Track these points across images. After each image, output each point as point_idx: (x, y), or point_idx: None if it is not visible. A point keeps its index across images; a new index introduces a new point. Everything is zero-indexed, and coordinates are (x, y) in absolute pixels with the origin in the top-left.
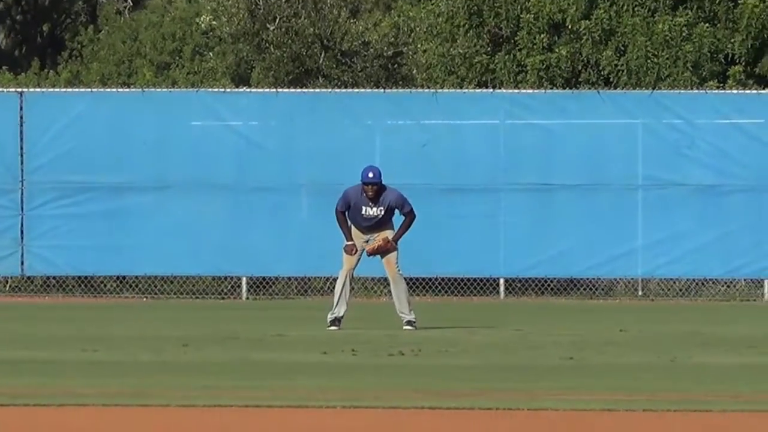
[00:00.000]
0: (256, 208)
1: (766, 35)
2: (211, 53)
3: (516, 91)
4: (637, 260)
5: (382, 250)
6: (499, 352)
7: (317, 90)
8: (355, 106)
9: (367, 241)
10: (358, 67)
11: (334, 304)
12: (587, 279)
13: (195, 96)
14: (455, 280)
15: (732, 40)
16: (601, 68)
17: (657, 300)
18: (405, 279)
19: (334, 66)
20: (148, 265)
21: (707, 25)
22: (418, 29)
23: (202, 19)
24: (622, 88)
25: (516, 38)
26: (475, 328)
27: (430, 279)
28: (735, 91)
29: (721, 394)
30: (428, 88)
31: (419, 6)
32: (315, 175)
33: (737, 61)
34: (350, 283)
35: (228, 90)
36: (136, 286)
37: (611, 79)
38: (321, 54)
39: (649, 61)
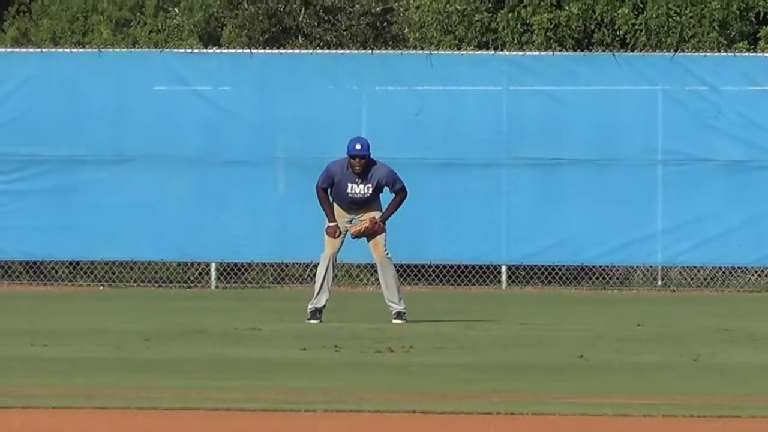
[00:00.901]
0: (227, 184)
1: None
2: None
3: (520, 53)
4: (657, 246)
5: (369, 232)
6: (501, 348)
7: (296, 51)
8: (339, 69)
9: (350, 222)
10: (343, 25)
11: (315, 293)
12: (600, 267)
13: (158, 57)
14: (451, 267)
15: None
16: (616, 28)
17: (679, 291)
18: (395, 265)
19: (316, 24)
20: (105, 249)
21: None
22: None
23: None
24: (640, 51)
25: None
26: (473, 321)
27: (422, 266)
28: (767, 55)
29: (750, 397)
30: (422, 49)
31: None
32: (293, 147)
33: None
34: (333, 270)
35: (196, 50)
36: (91, 272)
37: (628, 40)
38: (300, 10)
39: (670, 19)
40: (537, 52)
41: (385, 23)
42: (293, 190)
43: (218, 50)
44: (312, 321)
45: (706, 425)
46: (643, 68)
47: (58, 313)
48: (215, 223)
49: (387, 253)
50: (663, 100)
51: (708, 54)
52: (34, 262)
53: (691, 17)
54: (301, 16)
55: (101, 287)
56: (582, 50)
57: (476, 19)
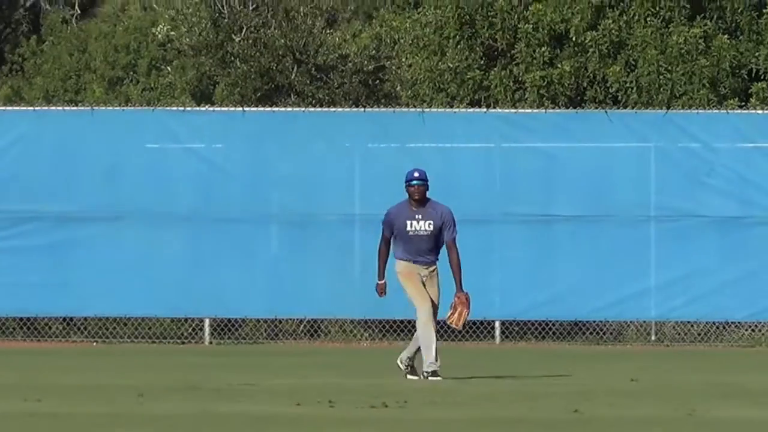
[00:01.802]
0: (221, 241)
1: None
2: (169, 67)
3: (513, 110)
4: (650, 301)
5: (467, 309)
6: (495, 403)
7: (289, 109)
8: (332, 127)
9: (425, 275)
10: (335, 83)
11: (426, 356)
12: (594, 322)
13: (151, 115)
14: (445, 322)
15: (756, 54)
16: (608, 85)
17: (673, 346)
18: (386, 322)
19: (308, 82)
20: (99, 305)
21: (727, 37)
22: (402, 41)
23: (159, 29)
24: (633, 108)
25: (513, 51)
26: (466, 378)
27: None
28: (759, 111)
29: None
30: (414, 107)
31: (404, 15)
32: (287, 204)
33: (761, 77)
34: (434, 324)
35: (188, 108)
36: (85, 328)
37: (620, 98)
38: (293, 68)
39: (662, 77)
40: (529, 110)
41: (378, 81)
42: (286, 247)
43: (210, 108)
44: (435, 378)
45: None
46: (636, 125)
47: (51, 369)
48: (209, 278)
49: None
50: (655, 156)
51: (700, 111)
52: (28, 318)
53: (683, 75)
54: (294, 75)
55: (95, 343)
56: (574, 107)
57: (468, 76)
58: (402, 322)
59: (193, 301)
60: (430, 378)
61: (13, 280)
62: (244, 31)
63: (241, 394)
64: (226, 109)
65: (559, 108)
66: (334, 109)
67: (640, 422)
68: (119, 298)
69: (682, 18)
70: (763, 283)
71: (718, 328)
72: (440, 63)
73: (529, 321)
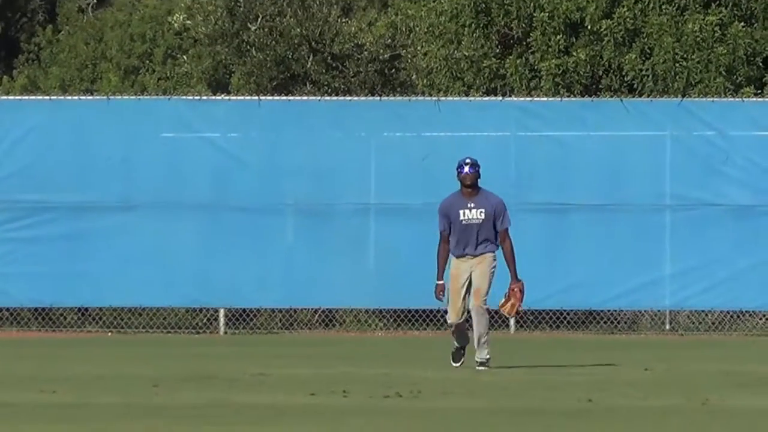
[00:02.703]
0: (236, 231)
1: None
2: (185, 56)
3: (528, 99)
4: (665, 290)
5: (521, 298)
6: (509, 393)
7: (304, 98)
8: (348, 115)
9: (470, 272)
10: (351, 72)
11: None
12: (608, 311)
13: (167, 104)
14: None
15: None
16: (624, 73)
17: (687, 335)
18: (401, 312)
19: (324, 71)
20: (114, 295)
21: (743, 24)
22: (418, 29)
23: (175, 18)
24: (648, 96)
25: (529, 40)
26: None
27: (431, 311)
28: None
29: None
30: (430, 95)
31: (419, 3)
32: (302, 194)
33: None
34: (464, 328)
35: (204, 97)
36: (100, 318)
37: (635, 86)
38: (309, 57)
39: (677, 65)
40: (545, 98)
41: (393, 70)
42: (301, 236)
43: (226, 97)
44: (455, 364)
45: None
46: (651, 113)
47: (66, 359)
48: (224, 269)
49: (485, 303)
50: (671, 145)
51: (715, 99)
52: (43, 309)
53: (698, 63)
54: (309, 63)
55: (110, 333)
56: (590, 96)
57: (484, 65)
58: (417, 311)
59: (208, 292)
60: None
61: (28, 271)
62: (259, 19)
63: (255, 384)
64: (241, 98)
65: (575, 96)
66: (349, 98)
67: (655, 412)
68: (134, 288)
69: (697, 5)
70: None
71: (732, 317)
72: (456, 51)
73: (543, 310)
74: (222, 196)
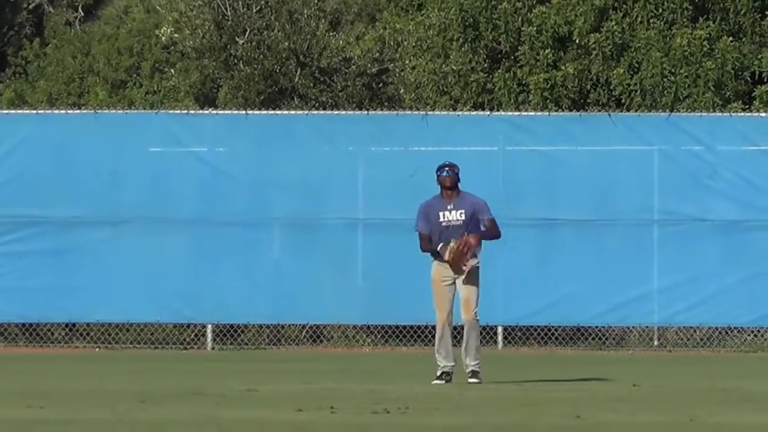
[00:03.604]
0: (224, 246)
1: None
2: (172, 70)
3: (517, 113)
4: (653, 306)
5: (468, 248)
6: (497, 409)
7: (292, 112)
8: (335, 130)
9: (453, 280)
10: (339, 86)
11: (437, 361)
12: (596, 327)
13: (154, 118)
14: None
15: (759, 56)
16: (612, 88)
17: (675, 351)
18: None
19: (312, 85)
20: (101, 311)
21: (731, 39)
22: (406, 43)
23: (162, 31)
24: (636, 111)
25: (517, 54)
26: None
27: (418, 327)
28: (763, 114)
29: None
30: (417, 110)
31: (407, 17)
32: (290, 208)
33: (765, 79)
34: (450, 335)
35: (191, 112)
36: (88, 334)
37: (623, 100)
38: (296, 71)
39: (665, 79)
40: (533, 113)
41: (381, 84)
42: (289, 251)
43: (214, 111)
44: (438, 382)
45: None
46: (639, 128)
47: (54, 375)
48: (211, 284)
49: (476, 315)
50: (659, 159)
51: (703, 114)
52: (31, 324)
53: (686, 77)
54: (297, 77)
55: (97, 349)
56: (578, 110)
57: (472, 79)
58: (405, 327)
59: (196, 307)
60: (434, 382)
61: (15, 286)
62: (247, 33)
63: (243, 400)
64: (229, 112)
65: (563, 111)
66: (337, 112)
67: (643, 428)
68: (122, 303)
69: (685, 20)
70: (767, 287)
71: (721, 333)
72: (444, 65)
73: (531, 326)
74: (209, 210)
